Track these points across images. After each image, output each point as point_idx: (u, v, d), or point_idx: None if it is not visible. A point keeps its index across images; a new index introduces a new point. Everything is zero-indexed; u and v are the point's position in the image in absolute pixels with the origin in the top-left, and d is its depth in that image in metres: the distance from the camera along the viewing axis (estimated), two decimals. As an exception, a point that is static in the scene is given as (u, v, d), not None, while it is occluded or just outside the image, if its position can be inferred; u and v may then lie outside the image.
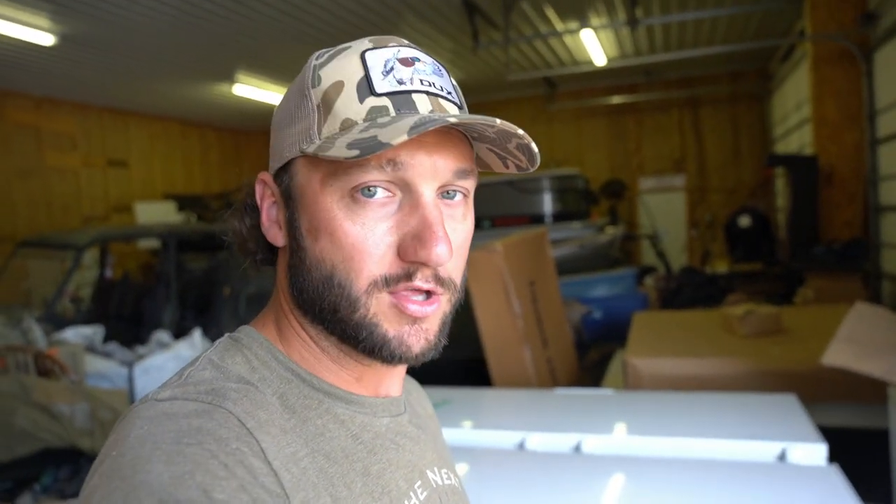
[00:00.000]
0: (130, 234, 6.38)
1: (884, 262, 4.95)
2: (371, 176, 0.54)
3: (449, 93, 0.59)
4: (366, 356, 0.59)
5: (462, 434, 2.07)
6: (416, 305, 0.56)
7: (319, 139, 0.55)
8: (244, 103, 9.44)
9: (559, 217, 7.57)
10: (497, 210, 7.31)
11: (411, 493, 0.62)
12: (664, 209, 10.35)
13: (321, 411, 0.59)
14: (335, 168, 0.55)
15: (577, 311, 4.92)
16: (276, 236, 0.62)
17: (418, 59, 0.58)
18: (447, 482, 0.70)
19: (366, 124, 0.54)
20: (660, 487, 1.63)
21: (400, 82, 0.56)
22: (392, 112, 0.55)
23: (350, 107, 0.55)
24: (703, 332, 3.48)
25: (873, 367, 1.95)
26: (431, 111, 0.56)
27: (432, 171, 0.55)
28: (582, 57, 8.59)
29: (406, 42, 0.60)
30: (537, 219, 7.39)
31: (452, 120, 0.52)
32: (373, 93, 0.55)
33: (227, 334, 0.63)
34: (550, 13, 6.78)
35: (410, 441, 0.66)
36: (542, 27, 7.19)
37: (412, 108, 0.55)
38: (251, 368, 0.59)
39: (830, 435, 1.89)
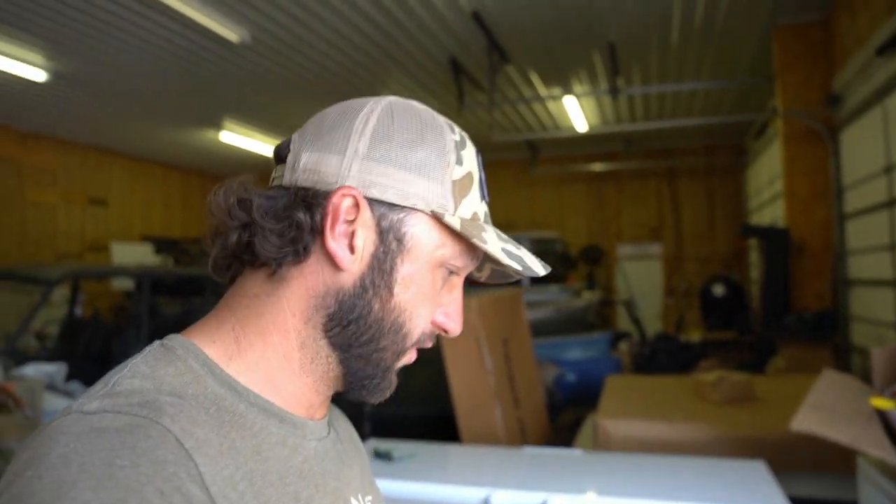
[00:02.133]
0: (104, 271, 6.28)
1: (853, 335, 5.02)
2: (464, 265, 0.66)
3: None
4: (353, 392, 0.65)
5: (428, 489, 2.02)
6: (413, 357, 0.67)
7: (454, 214, 0.62)
8: (230, 150, 9.50)
9: (537, 280, 7.62)
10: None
11: None
12: (641, 276, 10.46)
13: (255, 430, 0.57)
14: (450, 243, 0.63)
15: (550, 373, 4.90)
16: (344, 259, 0.60)
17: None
18: None
19: (491, 228, 0.65)
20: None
21: (486, 194, 0.68)
22: (489, 220, 0.68)
23: (476, 203, 0.65)
24: (675, 397, 3.48)
25: (841, 434, 1.95)
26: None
27: None
28: (564, 123, 8.82)
29: None
30: (515, 281, 7.41)
31: (543, 273, 0.67)
32: (483, 198, 0.67)
33: (157, 341, 0.60)
34: (535, 78, 6.99)
35: (335, 466, 0.66)
36: (527, 91, 7.41)
37: (489, 221, 0.68)
38: (184, 382, 0.55)
39: (799, 504, 1.88)
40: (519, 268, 0.64)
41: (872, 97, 4.43)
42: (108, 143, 9.42)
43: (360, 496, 0.69)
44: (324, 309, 0.60)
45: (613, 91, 6.46)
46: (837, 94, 5.17)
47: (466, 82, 6.62)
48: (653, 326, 9.36)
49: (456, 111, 6.75)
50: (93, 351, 4.95)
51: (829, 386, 2.24)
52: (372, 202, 0.60)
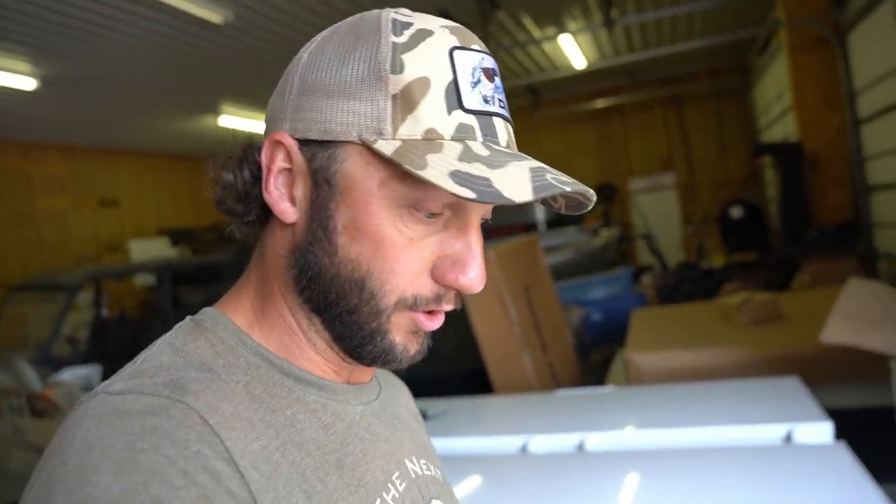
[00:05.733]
0: (122, 270, 6.36)
1: (878, 242, 4.95)
2: (442, 201, 0.52)
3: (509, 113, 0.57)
4: (358, 360, 0.58)
5: (464, 442, 2.04)
6: (431, 322, 0.57)
7: (394, 137, 0.50)
8: (231, 134, 9.46)
9: (553, 224, 7.58)
10: (491, 220, 7.30)
11: (389, 485, 0.58)
12: (656, 208, 10.37)
13: (291, 400, 0.54)
14: (403, 176, 0.51)
15: (575, 315, 4.89)
16: (286, 212, 0.55)
17: (496, 73, 0.55)
18: (427, 472, 0.66)
19: (458, 147, 0.50)
20: (666, 479, 1.60)
21: (485, 100, 0.53)
22: (479, 136, 0.52)
23: (436, 115, 0.51)
24: (702, 324, 3.47)
25: (873, 341, 1.93)
26: (507, 142, 0.55)
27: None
28: (562, 62, 8.65)
29: (482, 43, 0.56)
30: (531, 227, 7.38)
31: (568, 189, 0.50)
32: (461, 106, 0.51)
33: (188, 317, 0.58)
34: (527, 21, 6.84)
35: (385, 430, 0.63)
36: (520, 36, 7.25)
37: (494, 134, 0.53)
38: (215, 353, 0.53)
39: (836, 416, 1.86)
40: (472, 195, 0.47)
41: (878, -7, 4.27)
42: (110, 143, 9.42)
43: (414, 458, 0.65)
44: (290, 269, 0.56)
45: (608, 23, 6.29)
46: (841, -5, 5.00)
47: (457, 34, 6.47)
48: (673, 257, 9.30)
49: (450, 65, 6.61)
50: (123, 349, 5.04)
51: (856, 294, 2.21)
52: (302, 143, 0.54)
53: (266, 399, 0.53)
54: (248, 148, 0.59)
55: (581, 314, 5.00)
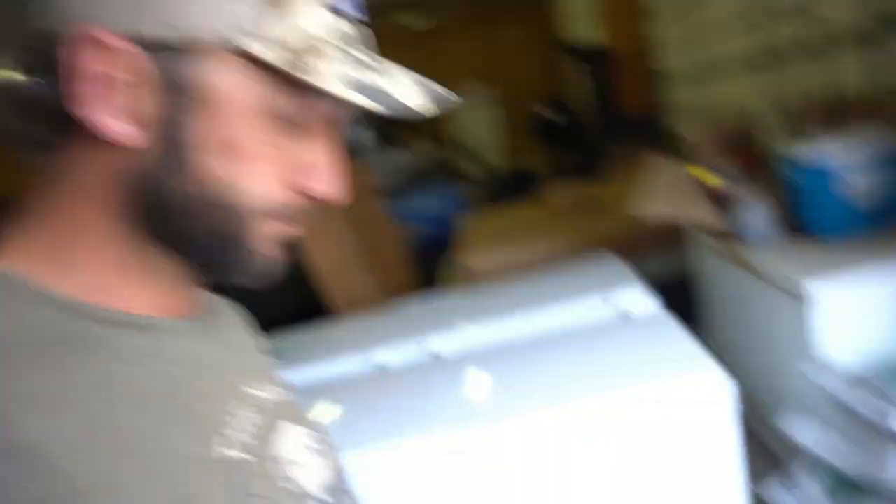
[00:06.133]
0: None
1: (674, 124, 5.38)
2: (316, 112, 0.47)
3: None
4: (220, 278, 0.52)
5: (312, 370, 1.88)
6: (291, 229, 0.52)
7: (270, 41, 0.43)
8: None
9: (376, 142, 7.65)
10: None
11: (227, 418, 0.51)
12: (477, 121, 10.60)
13: (105, 353, 0.45)
14: (280, 84, 0.45)
15: (406, 230, 4.92)
16: (116, 129, 0.43)
17: None
18: (268, 396, 0.58)
19: (340, 53, 0.45)
20: (516, 369, 1.61)
21: (353, 4, 0.49)
22: (353, 41, 0.49)
23: (312, 18, 0.45)
24: (527, 221, 3.61)
25: (677, 210, 2.06)
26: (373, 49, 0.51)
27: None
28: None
29: None
30: (355, 144, 7.36)
31: (455, 98, 0.50)
32: (333, 8, 0.47)
33: None
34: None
35: (218, 358, 0.55)
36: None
37: (364, 41, 0.50)
38: (2, 320, 0.42)
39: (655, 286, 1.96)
40: (377, 106, 0.45)
41: None
42: None
43: (254, 383, 0.57)
44: (123, 195, 0.46)
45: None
46: None
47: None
48: (497, 164, 9.65)
49: None
50: None
51: (657, 171, 2.35)
52: (136, 43, 0.42)
53: (71, 361, 0.43)
54: (40, 43, 0.42)
55: (412, 229, 5.02)
